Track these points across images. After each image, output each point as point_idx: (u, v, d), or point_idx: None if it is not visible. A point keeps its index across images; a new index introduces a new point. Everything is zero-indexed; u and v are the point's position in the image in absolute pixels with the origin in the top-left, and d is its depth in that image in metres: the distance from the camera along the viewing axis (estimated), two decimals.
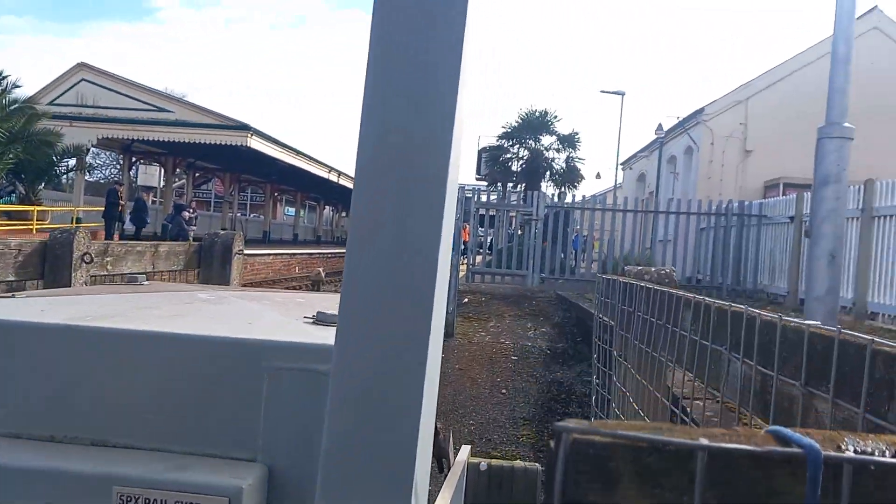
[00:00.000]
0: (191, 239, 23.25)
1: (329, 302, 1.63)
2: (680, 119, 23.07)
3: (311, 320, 1.23)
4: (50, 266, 3.00)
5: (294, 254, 27.67)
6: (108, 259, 3.39)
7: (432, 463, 2.18)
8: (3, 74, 21.28)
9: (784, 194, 16.69)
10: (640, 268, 2.47)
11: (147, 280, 1.88)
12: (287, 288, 21.94)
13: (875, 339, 0.71)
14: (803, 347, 0.84)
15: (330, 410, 0.74)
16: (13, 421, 1.08)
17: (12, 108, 21.53)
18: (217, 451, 1.04)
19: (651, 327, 1.66)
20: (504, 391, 8.39)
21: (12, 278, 2.80)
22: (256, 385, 1.03)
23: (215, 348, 1.04)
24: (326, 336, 1.10)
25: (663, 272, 2.39)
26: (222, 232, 4.19)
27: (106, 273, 3.49)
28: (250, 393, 1.03)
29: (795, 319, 0.92)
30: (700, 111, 20.90)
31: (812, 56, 19.11)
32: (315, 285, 23.27)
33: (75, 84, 25.61)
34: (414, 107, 0.75)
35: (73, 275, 3.04)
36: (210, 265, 4.38)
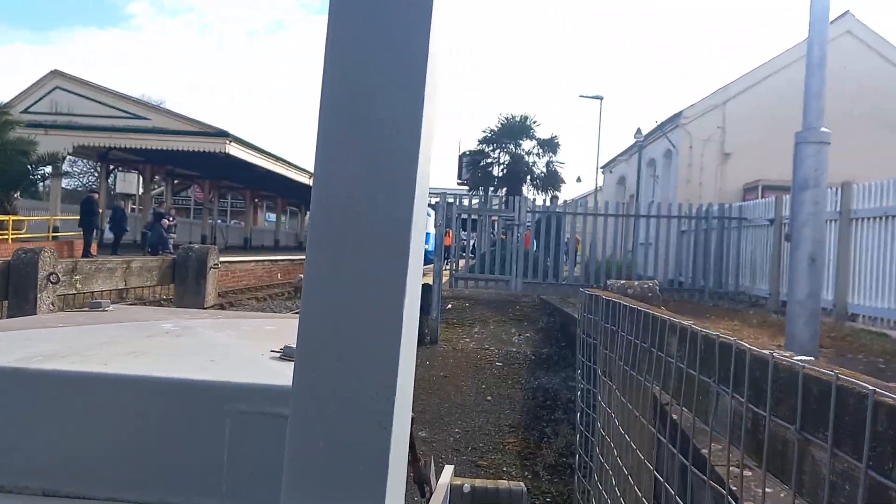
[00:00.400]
0: (171, 246, 23.02)
1: None
2: (658, 123, 23.23)
3: (279, 355, 1.17)
4: (14, 287, 2.90)
5: (276, 260, 27.49)
6: (77, 277, 3.29)
7: (414, 488, 2.12)
8: None
9: (763, 196, 16.84)
10: (623, 282, 2.43)
11: (114, 303, 1.80)
12: (270, 295, 21.76)
13: (877, 389, 0.66)
14: (798, 389, 0.80)
15: (290, 435, 0.68)
16: None
17: None
18: (177, 499, 0.97)
19: (636, 349, 1.61)
20: (489, 398, 8.35)
21: None
22: (219, 429, 0.96)
23: (174, 391, 0.98)
24: (288, 374, 1.04)
25: (646, 286, 2.35)
26: (196, 246, 4.09)
27: (76, 292, 3.38)
28: (212, 438, 0.96)
29: (787, 356, 0.87)
30: (678, 115, 21.06)
31: (787, 60, 19.36)
32: (297, 291, 23.13)
33: (49, 92, 25.28)
34: (381, 78, 0.68)
35: (39, 296, 2.94)
36: (185, 280, 4.29)
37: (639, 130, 24.25)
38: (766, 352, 0.91)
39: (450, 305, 13.23)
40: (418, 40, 0.67)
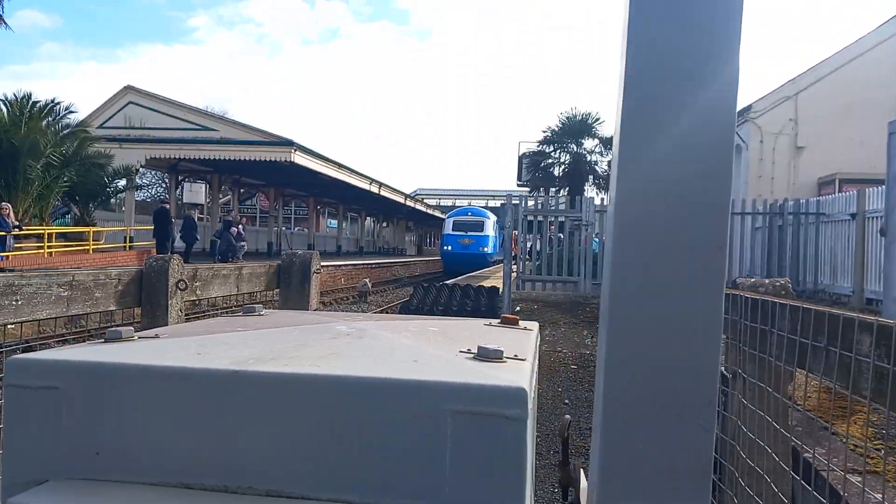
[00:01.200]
0: (241, 254, 23.61)
1: (463, 330, 1.57)
2: None
3: (472, 356, 1.17)
4: (147, 294, 3.05)
5: (339, 265, 27.88)
6: (196, 284, 3.44)
7: (558, 491, 2.09)
8: (56, 101, 21.90)
9: (841, 190, 16.23)
10: (753, 280, 2.37)
11: (264, 308, 1.84)
12: (335, 300, 22.08)
13: None
14: None
15: (601, 441, 0.67)
16: (186, 471, 1.04)
17: (65, 132, 22.18)
18: (402, 501, 0.98)
19: (802, 348, 1.56)
20: (567, 402, 8.26)
21: (114, 307, 2.85)
22: (440, 430, 0.97)
23: (396, 391, 0.99)
24: (501, 376, 1.04)
25: (778, 284, 2.29)
26: (300, 252, 4.25)
27: (196, 298, 3.54)
28: (433, 439, 0.97)
29: None
30: (747, 108, 20.47)
31: (865, 46, 18.55)
32: (361, 296, 23.39)
33: (123, 107, 26.28)
34: (693, 66, 0.65)
35: (169, 302, 3.09)
36: (289, 285, 4.44)
37: None
38: None
39: (518, 308, 13.18)
40: (730, 26, 0.65)
